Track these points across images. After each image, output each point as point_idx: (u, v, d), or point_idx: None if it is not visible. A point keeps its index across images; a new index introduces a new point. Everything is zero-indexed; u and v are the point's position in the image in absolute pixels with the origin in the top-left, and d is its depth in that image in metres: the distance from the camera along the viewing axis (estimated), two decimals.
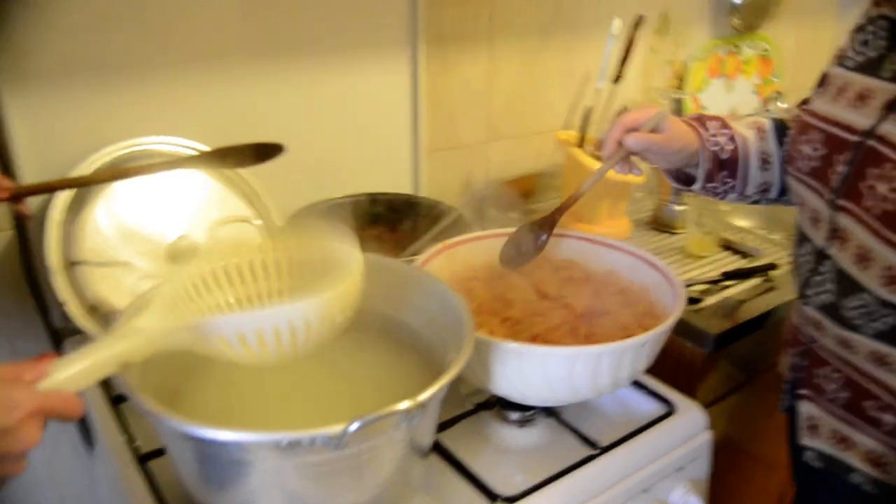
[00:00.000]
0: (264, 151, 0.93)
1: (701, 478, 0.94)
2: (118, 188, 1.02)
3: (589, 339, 0.88)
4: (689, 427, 0.93)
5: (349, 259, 0.71)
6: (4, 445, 0.50)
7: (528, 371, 0.80)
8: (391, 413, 0.59)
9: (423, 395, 0.62)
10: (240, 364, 0.65)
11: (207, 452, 0.63)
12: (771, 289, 1.26)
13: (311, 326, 0.64)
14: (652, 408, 0.95)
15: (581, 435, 0.88)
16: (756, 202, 1.00)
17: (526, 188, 1.52)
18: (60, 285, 0.95)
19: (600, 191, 1.37)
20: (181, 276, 0.70)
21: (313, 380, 0.80)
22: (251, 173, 1.11)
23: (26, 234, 1.01)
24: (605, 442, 0.86)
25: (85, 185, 1.00)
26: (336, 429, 0.57)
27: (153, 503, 0.76)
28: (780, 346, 0.99)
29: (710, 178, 0.95)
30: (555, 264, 1.03)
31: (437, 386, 0.64)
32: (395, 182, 1.39)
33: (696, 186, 0.97)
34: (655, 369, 0.90)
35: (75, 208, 0.99)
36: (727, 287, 1.26)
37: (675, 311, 0.85)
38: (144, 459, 0.82)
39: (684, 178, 0.99)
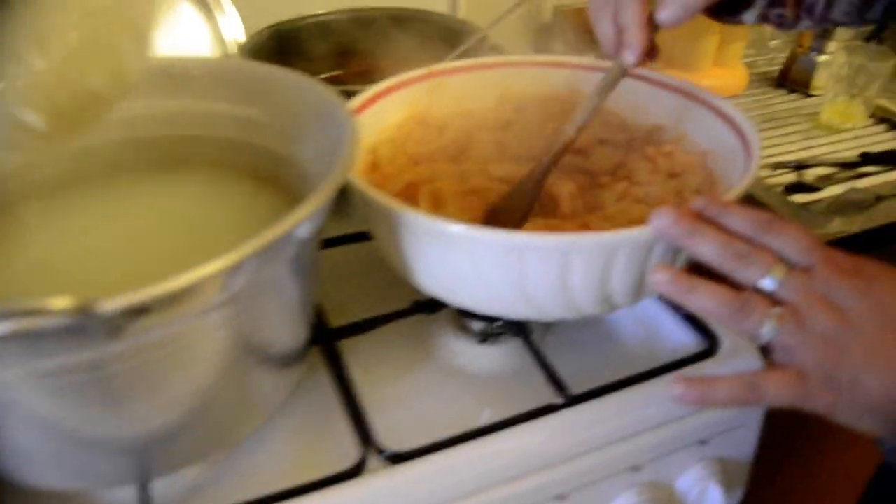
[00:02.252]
0: None
1: (741, 457, 0.62)
2: None
3: (586, 223, 0.56)
4: (733, 371, 0.61)
5: None
6: None
7: (456, 265, 0.50)
8: (179, 288, 0.33)
9: (239, 254, 0.36)
10: None
11: None
12: None
13: None
14: (684, 340, 0.63)
15: (549, 370, 0.58)
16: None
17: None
18: None
19: (703, 24, 0.97)
20: None
21: (149, 231, 0.55)
22: None
23: None
24: (576, 388, 0.56)
25: None
26: (64, 303, 0.31)
27: None
28: None
29: None
30: None
31: (263, 241, 0.37)
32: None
33: (750, 14, 0.62)
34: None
35: None
36: (864, 175, 0.87)
37: (741, 180, 0.52)
38: None
39: (731, 6, 0.62)
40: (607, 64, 0.70)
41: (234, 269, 0.37)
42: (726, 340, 0.61)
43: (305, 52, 0.92)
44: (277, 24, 0.88)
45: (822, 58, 1.05)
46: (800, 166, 0.87)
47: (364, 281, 0.68)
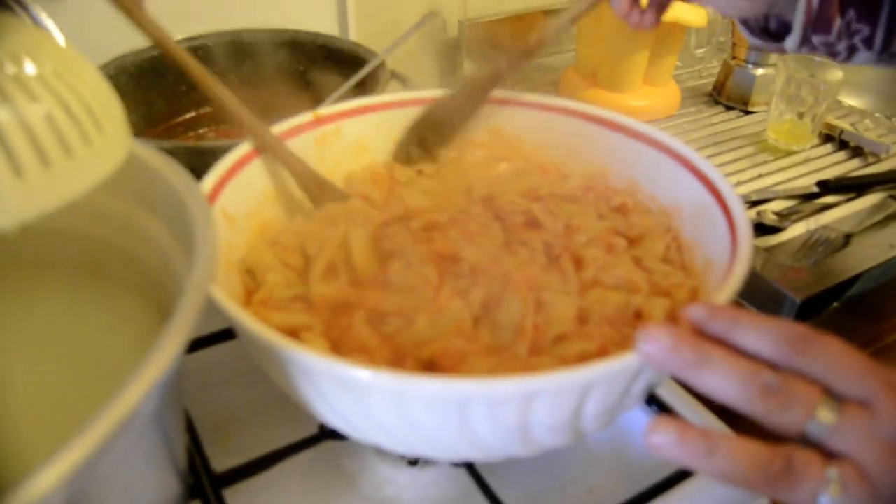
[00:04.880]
0: None
1: None
2: None
3: (540, 329, 0.42)
4: (731, 494, 0.48)
5: None
6: None
7: (376, 415, 0.35)
8: None
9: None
10: None
11: None
12: None
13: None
14: None
15: (498, 502, 0.44)
16: None
17: (519, 34, 1.01)
18: None
19: (634, 40, 0.86)
20: None
21: None
22: None
23: None
24: None
25: None
26: None
27: None
28: None
29: (821, 21, 0.47)
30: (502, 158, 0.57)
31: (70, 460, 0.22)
32: (316, 18, 0.90)
33: (792, 41, 0.50)
34: None
35: None
36: (827, 207, 0.76)
37: (732, 272, 0.39)
38: None
39: (772, 30, 0.51)
40: (529, 97, 0.57)
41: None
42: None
43: (166, 86, 0.75)
44: (124, 57, 0.70)
45: (761, 71, 0.95)
46: (756, 202, 0.76)
47: (252, 390, 0.52)
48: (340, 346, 0.39)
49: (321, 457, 0.48)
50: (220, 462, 0.47)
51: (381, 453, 0.48)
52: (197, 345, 0.54)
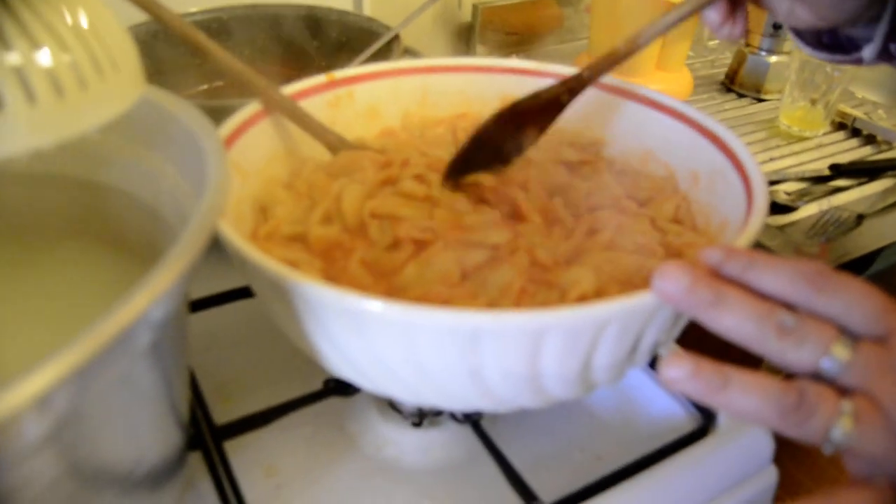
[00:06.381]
0: None
1: None
2: None
3: (551, 282, 0.41)
4: (738, 459, 0.48)
5: None
6: None
7: (383, 353, 0.35)
8: None
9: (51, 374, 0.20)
10: None
11: None
12: None
13: None
14: (674, 417, 0.49)
15: (505, 464, 0.44)
16: None
17: (538, 20, 1.01)
18: None
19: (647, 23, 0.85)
20: None
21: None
22: None
23: None
24: (539, 485, 0.41)
25: None
26: None
27: None
28: None
29: None
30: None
31: (80, 355, 0.22)
32: None
33: (870, 51, 0.48)
34: (688, 339, 0.44)
35: None
36: (839, 189, 0.76)
37: (748, 224, 0.38)
38: None
39: (841, 44, 0.50)
40: (545, 67, 0.57)
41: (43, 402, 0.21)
42: (723, 415, 0.48)
43: (178, 57, 0.75)
44: (137, 27, 0.70)
45: (775, 59, 0.95)
46: (769, 182, 0.75)
47: (256, 352, 0.52)
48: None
49: (323, 415, 0.48)
50: (222, 416, 0.46)
51: (384, 413, 0.48)
52: (199, 305, 0.54)
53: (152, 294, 0.24)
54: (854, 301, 0.30)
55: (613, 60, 0.49)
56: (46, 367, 0.21)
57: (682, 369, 0.29)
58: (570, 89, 0.50)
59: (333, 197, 0.45)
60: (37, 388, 0.20)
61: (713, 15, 0.48)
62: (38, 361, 0.21)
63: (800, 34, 0.52)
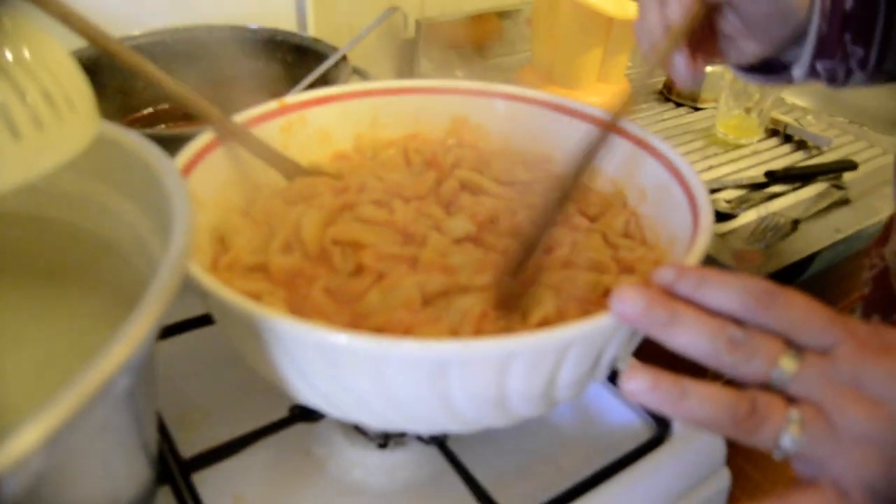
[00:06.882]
0: None
1: None
2: None
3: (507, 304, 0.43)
4: (693, 463, 0.50)
5: None
6: None
7: (351, 383, 0.35)
8: None
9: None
10: None
11: None
12: (845, 201, 0.79)
13: None
14: (631, 426, 0.51)
15: (472, 482, 0.45)
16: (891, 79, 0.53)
17: (480, 34, 1.03)
18: None
19: (587, 38, 0.88)
20: None
21: None
22: None
23: None
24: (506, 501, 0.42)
25: None
26: None
27: None
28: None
29: (827, 47, 0.49)
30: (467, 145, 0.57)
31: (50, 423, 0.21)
32: (274, 14, 0.90)
33: (799, 71, 0.51)
34: (645, 350, 0.46)
35: None
36: (775, 196, 0.79)
37: (695, 243, 0.40)
38: None
39: (771, 66, 0.53)
40: (494, 87, 0.58)
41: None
42: (678, 423, 0.50)
43: (122, 81, 0.74)
44: (80, 51, 0.69)
45: (709, 68, 0.98)
46: (710, 191, 0.78)
47: (218, 380, 0.52)
48: (299, 315, 0.39)
49: (290, 441, 0.48)
50: (186, 445, 0.46)
51: (350, 437, 0.48)
52: (168, 332, 0.54)
53: (132, 344, 0.24)
54: (799, 316, 0.32)
55: (615, 120, 0.47)
56: (28, 429, 0.21)
57: (641, 382, 0.31)
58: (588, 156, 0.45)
59: (292, 224, 0.46)
60: (18, 452, 0.20)
61: (680, 62, 0.49)
62: (19, 422, 0.21)
63: (744, 67, 0.55)
